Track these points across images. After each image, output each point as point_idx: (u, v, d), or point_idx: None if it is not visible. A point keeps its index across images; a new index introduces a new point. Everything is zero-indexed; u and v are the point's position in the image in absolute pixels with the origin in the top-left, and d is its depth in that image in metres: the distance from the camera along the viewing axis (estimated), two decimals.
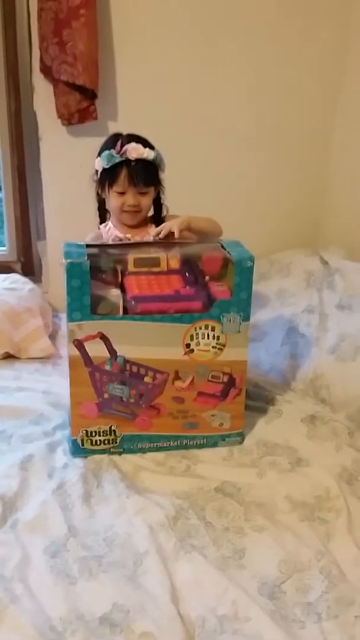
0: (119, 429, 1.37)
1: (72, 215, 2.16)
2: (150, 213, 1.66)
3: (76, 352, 1.30)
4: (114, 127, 2.09)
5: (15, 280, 2.04)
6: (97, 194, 1.63)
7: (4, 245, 2.26)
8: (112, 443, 1.38)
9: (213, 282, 1.39)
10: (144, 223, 1.65)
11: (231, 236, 2.27)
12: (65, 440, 1.41)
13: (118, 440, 1.38)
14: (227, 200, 2.27)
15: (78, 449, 1.37)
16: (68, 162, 2.10)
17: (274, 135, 2.29)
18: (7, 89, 1.99)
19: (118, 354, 1.32)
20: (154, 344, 1.32)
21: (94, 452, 1.37)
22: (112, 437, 1.38)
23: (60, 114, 1.97)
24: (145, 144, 1.54)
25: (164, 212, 1.67)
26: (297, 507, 1.23)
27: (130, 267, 1.38)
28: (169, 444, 1.40)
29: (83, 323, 1.28)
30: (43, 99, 2.00)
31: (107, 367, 1.32)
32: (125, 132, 1.57)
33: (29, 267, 2.22)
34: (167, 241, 1.43)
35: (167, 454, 1.39)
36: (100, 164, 1.55)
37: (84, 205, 2.19)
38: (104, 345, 1.30)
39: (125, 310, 1.32)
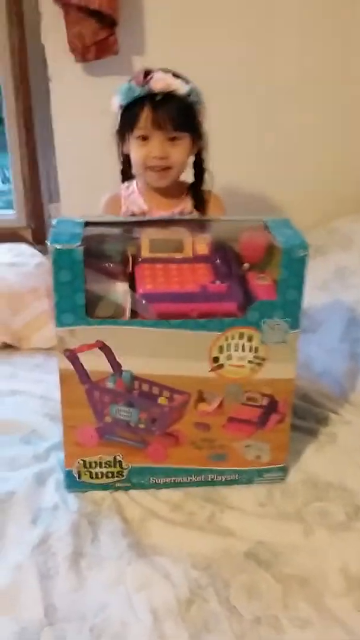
0: (127, 459, 1.10)
1: (90, 172, 1.85)
2: (187, 178, 1.33)
3: (68, 365, 1.02)
4: (140, 64, 1.75)
5: (21, 252, 1.76)
6: (119, 146, 1.31)
7: (12, 208, 1.98)
8: (118, 476, 1.11)
9: (254, 273, 1.07)
10: (178, 191, 1.32)
11: (284, 199, 1.94)
12: (60, 467, 1.15)
13: (125, 473, 1.11)
14: (276, 156, 1.92)
15: (74, 482, 1.11)
16: (85, 108, 1.78)
17: (333, 79, 1.89)
18: (9, 18, 1.67)
19: (123, 368, 1.03)
20: (171, 357, 1.03)
21: (94, 486, 1.11)
22: (118, 469, 1.10)
23: (73, 47, 1.65)
24: (180, 78, 1.22)
25: (209, 184, 1.34)
26: (354, 585, 0.94)
27: (145, 252, 1.07)
28: (190, 479, 1.12)
29: (76, 329, 0.99)
30: (53, 29, 1.68)
31: (110, 385, 1.04)
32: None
33: (41, 234, 1.94)
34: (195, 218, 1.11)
35: (186, 493, 1.11)
36: (117, 101, 1.23)
37: (106, 160, 1.86)
38: (105, 358, 1.02)
39: (134, 312, 1.02)
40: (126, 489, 1.11)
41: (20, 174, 1.87)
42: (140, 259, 1.07)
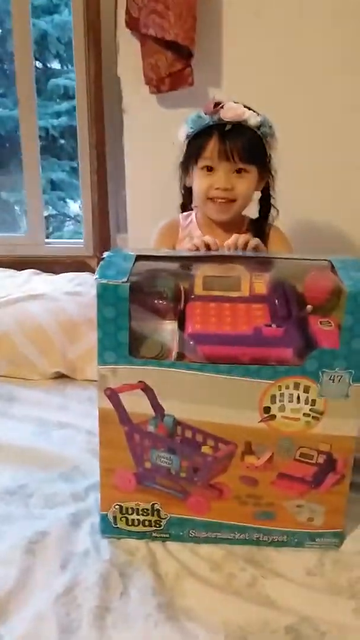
0: (165, 508, 1.00)
1: (159, 203, 1.78)
2: (250, 213, 1.25)
3: (108, 405, 0.94)
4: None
5: (84, 282, 1.71)
6: (182, 178, 1.25)
7: (80, 237, 1.95)
8: (155, 525, 1.01)
9: (316, 317, 0.95)
10: (238, 226, 1.24)
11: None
12: (97, 509, 1.06)
13: (163, 523, 1.01)
14: (351, 191, 1.78)
15: (109, 528, 1.02)
16: (157, 140, 1.73)
17: None
18: (86, 49, 1.65)
19: (166, 412, 0.93)
20: (217, 404, 0.93)
21: (130, 533, 1.01)
22: (155, 518, 1.01)
23: (148, 78, 1.60)
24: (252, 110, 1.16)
25: (272, 218, 1.25)
26: None
27: (198, 289, 0.99)
28: (234, 537, 1.01)
29: (118, 367, 0.91)
30: (129, 61, 1.64)
31: (151, 429, 0.95)
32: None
33: None
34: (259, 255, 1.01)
35: (228, 552, 0.99)
36: (184, 130, 1.18)
37: (175, 193, 1.80)
38: (147, 400, 0.93)
39: (181, 354, 0.93)
40: (163, 540, 1.01)
41: (90, 203, 1.83)
42: (192, 297, 0.99)
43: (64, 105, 3.45)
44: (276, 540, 1.00)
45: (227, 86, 1.69)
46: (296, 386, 0.90)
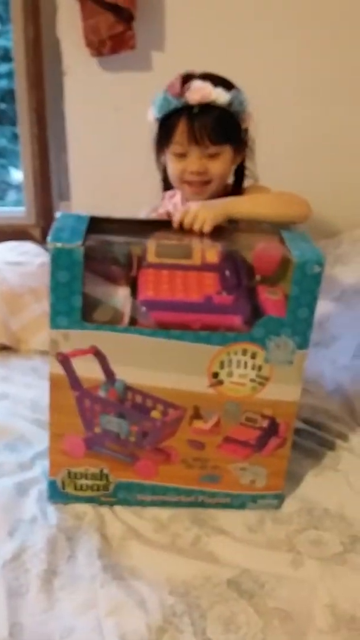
0: (113, 473, 1.03)
1: (103, 170, 1.80)
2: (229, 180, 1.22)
3: (59, 370, 0.96)
4: (159, 60, 1.69)
5: (26, 251, 1.69)
6: (157, 157, 1.20)
7: (22, 205, 1.91)
8: (103, 490, 1.04)
9: (265, 286, 1.00)
10: (220, 196, 1.21)
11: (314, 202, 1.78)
12: (44, 476, 1.08)
13: (111, 488, 1.04)
14: (300, 161, 1.81)
15: (57, 493, 1.04)
16: (99, 104, 1.72)
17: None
18: (25, 10, 1.60)
19: (117, 377, 0.96)
20: (168, 369, 0.96)
21: (78, 498, 1.04)
22: (104, 482, 1.04)
23: (89, 41, 1.59)
24: (222, 84, 1.11)
25: (248, 184, 1.23)
26: (341, 624, 0.86)
27: (151, 257, 1.01)
28: (179, 500, 1.05)
29: (70, 332, 0.93)
30: (69, 22, 1.62)
31: (101, 394, 0.98)
32: (182, 70, 1.12)
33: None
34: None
35: (173, 513, 1.04)
36: (152, 114, 1.14)
37: (119, 158, 1.79)
38: (99, 365, 0.95)
39: (133, 320, 0.96)
40: (111, 504, 1.05)
41: (31, 170, 1.80)
42: (145, 264, 1.01)
43: (5, 68, 3.30)
44: (220, 502, 1.06)
45: (169, 49, 1.68)
46: (244, 352, 0.95)
